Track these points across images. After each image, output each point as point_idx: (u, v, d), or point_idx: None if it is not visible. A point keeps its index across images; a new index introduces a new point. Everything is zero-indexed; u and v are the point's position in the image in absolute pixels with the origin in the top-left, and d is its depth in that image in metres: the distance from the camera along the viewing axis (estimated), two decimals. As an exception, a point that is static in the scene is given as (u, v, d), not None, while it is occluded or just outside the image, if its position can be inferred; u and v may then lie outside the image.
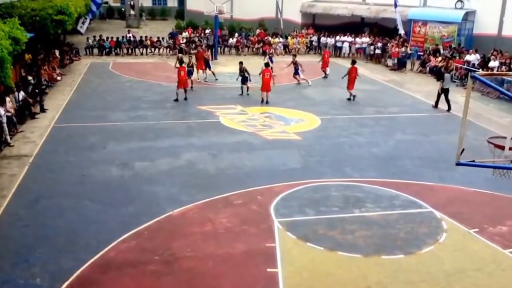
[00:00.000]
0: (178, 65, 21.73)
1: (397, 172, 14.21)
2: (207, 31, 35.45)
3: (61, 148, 15.44)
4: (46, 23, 23.04)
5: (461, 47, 29.77)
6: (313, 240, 10.44)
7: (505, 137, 7.32)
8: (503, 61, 25.09)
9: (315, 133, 17.59)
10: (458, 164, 7.27)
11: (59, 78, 24.87)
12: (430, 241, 10.57)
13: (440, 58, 28.41)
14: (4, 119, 15.34)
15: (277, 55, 33.90)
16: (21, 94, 18.30)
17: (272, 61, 26.17)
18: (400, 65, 29.73)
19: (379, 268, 9.55)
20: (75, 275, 9.03)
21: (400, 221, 11.38)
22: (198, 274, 9.21)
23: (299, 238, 10.50)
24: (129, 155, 15.02)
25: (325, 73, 27.23)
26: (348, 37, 34.14)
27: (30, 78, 21.04)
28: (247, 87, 22.67)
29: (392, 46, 30.89)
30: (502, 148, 7.29)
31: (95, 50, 32.40)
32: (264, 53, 32.22)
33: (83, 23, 32.72)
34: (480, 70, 23.19)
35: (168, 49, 33.31)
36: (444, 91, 20.91)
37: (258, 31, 37.39)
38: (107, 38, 32.88)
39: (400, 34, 31.73)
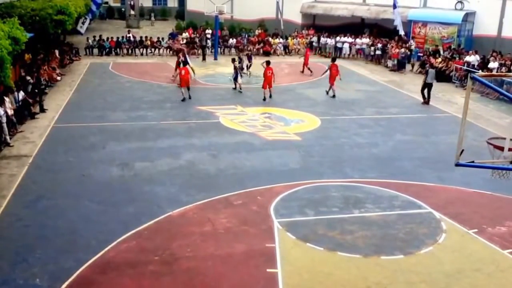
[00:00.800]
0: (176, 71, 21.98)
1: (396, 173, 14.23)
2: (208, 31, 35.48)
3: (61, 148, 15.45)
4: (46, 23, 23.06)
5: (461, 48, 29.78)
6: (313, 240, 10.45)
7: (504, 138, 7.32)
8: (503, 62, 25.11)
9: (315, 134, 17.60)
10: (457, 164, 7.26)
11: (59, 78, 24.88)
12: (430, 241, 10.59)
13: (440, 59, 28.41)
14: (4, 119, 15.35)
15: (278, 55, 34.03)
16: (21, 94, 18.30)
17: (251, 60, 27.34)
18: (400, 66, 29.74)
19: (378, 269, 9.57)
20: (74, 275, 9.05)
21: (400, 221, 11.40)
22: (197, 275, 9.22)
23: (299, 239, 10.51)
24: (129, 155, 15.03)
25: (307, 70, 27.94)
26: (348, 38, 34.15)
27: (29, 78, 21.02)
28: (239, 84, 23.33)
29: (392, 47, 30.90)
30: (502, 149, 7.29)
31: (95, 50, 32.39)
32: (265, 53, 32.40)
33: (83, 23, 32.70)
34: (480, 71, 23.18)
35: (168, 49, 33.29)
36: (428, 86, 21.83)
37: (257, 31, 37.41)
38: (107, 38, 32.90)
39: (401, 35, 31.74)
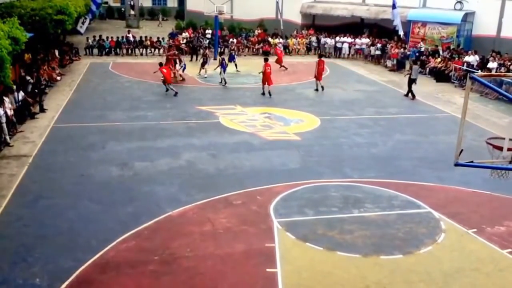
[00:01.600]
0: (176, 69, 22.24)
1: (396, 173, 14.25)
2: (208, 31, 35.49)
3: (61, 148, 15.46)
4: (46, 23, 23.08)
5: (460, 48, 29.80)
6: (312, 240, 10.47)
7: (503, 138, 7.34)
8: (502, 62, 25.15)
9: (314, 134, 17.62)
10: (456, 164, 7.28)
11: (58, 78, 24.89)
12: (429, 241, 10.62)
13: (439, 59, 28.44)
14: (4, 119, 15.37)
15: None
16: (21, 94, 18.31)
17: (234, 58, 28.04)
18: (399, 66, 29.76)
19: (377, 268, 9.59)
20: (74, 275, 9.06)
21: (399, 221, 11.42)
22: (197, 274, 9.24)
23: (298, 238, 10.53)
24: (128, 155, 15.05)
25: (284, 67, 28.63)
26: (347, 38, 34.18)
27: (29, 78, 21.04)
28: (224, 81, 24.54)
29: (392, 47, 30.93)
30: (501, 149, 7.30)
31: (95, 50, 32.40)
32: (264, 53, 32.38)
33: (82, 23, 32.73)
34: (479, 71, 23.21)
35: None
36: (412, 81, 22.88)
37: (257, 31, 37.43)
38: (107, 38, 32.90)
39: (400, 35, 31.76)
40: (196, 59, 30.50)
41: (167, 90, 22.32)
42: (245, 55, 33.28)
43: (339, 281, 9.18)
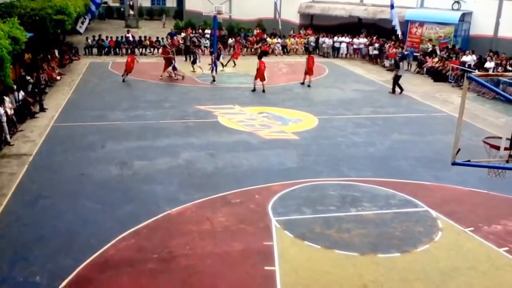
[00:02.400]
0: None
1: (393, 172, 14.33)
2: (207, 31, 35.52)
3: (60, 148, 15.52)
4: (46, 23, 23.14)
5: (458, 47, 29.88)
6: (310, 238, 10.54)
7: (500, 137, 7.37)
8: (499, 62, 25.23)
9: (312, 133, 17.70)
10: (453, 164, 7.32)
11: (58, 77, 24.93)
12: (426, 240, 10.69)
13: (436, 59, 28.52)
14: (4, 119, 15.43)
15: (276, 55, 34.14)
16: (21, 94, 18.37)
17: (219, 58, 28.32)
18: (397, 66, 29.73)
19: (375, 267, 9.66)
20: (73, 273, 9.11)
21: (396, 220, 11.50)
22: (196, 273, 9.31)
23: (296, 237, 10.60)
24: (127, 154, 15.11)
25: (234, 63, 29.80)
26: (345, 37, 34.26)
27: (29, 78, 21.08)
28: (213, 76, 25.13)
29: (390, 47, 31.00)
30: (498, 148, 7.35)
31: (94, 50, 32.44)
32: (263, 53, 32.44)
33: (82, 23, 32.74)
34: (476, 71, 23.31)
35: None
36: (398, 78, 23.72)
37: (255, 31, 37.48)
38: (106, 38, 32.94)
39: (398, 35, 31.84)
40: (190, 59, 30.59)
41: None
42: (243, 55, 33.30)
43: (337, 279, 9.25)
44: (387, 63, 30.67)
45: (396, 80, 23.84)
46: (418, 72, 29.30)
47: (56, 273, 9.11)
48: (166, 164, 14.45)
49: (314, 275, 9.34)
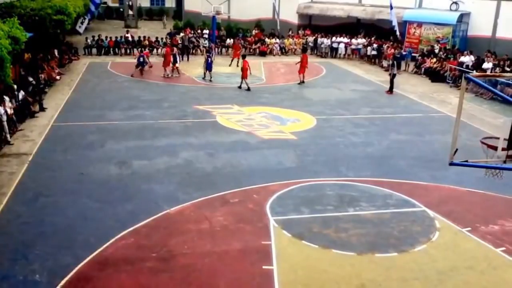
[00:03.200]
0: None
1: (391, 172, 14.39)
2: (205, 31, 35.57)
3: (60, 147, 15.56)
4: (45, 23, 23.17)
5: (456, 48, 29.96)
6: (308, 238, 10.60)
7: (498, 138, 7.41)
8: (497, 62, 25.31)
9: (310, 133, 17.76)
10: (451, 164, 7.36)
11: (58, 77, 24.94)
12: (423, 239, 10.75)
13: (435, 59, 28.60)
14: (4, 118, 15.48)
15: (274, 55, 34.20)
16: (21, 93, 18.42)
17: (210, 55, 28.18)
18: (392, 65, 29.77)
19: (372, 266, 9.72)
20: (73, 271, 9.17)
21: (394, 219, 11.56)
22: (194, 271, 9.37)
23: (294, 236, 10.66)
24: (127, 153, 15.16)
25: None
26: (344, 38, 34.32)
27: (31, 79, 21.11)
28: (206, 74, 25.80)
29: (388, 47, 31.06)
30: (495, 148, 7.39)
31: (94, 50, 32.44)
32: (261, 54, 32.51)
33: (82, 23, 32.76)
34: (474, 71, 23.39)
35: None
36: (394, 76, 24.30)
37: (254, 31, 37.51)
38: (106, 38, 32.95)
39: (397, 36, 31.91)
40: (188, 59, 30.69)
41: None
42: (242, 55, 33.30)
43: (334, 278, 9.31)
44: (385, 63, 30.68)
45: (391, 78, 24.15)
46: (416, 73, 29.37)
47: (55, 271, 9.16)
48: (165, 164, 14.50)
49: (312, 274, 9.39)
